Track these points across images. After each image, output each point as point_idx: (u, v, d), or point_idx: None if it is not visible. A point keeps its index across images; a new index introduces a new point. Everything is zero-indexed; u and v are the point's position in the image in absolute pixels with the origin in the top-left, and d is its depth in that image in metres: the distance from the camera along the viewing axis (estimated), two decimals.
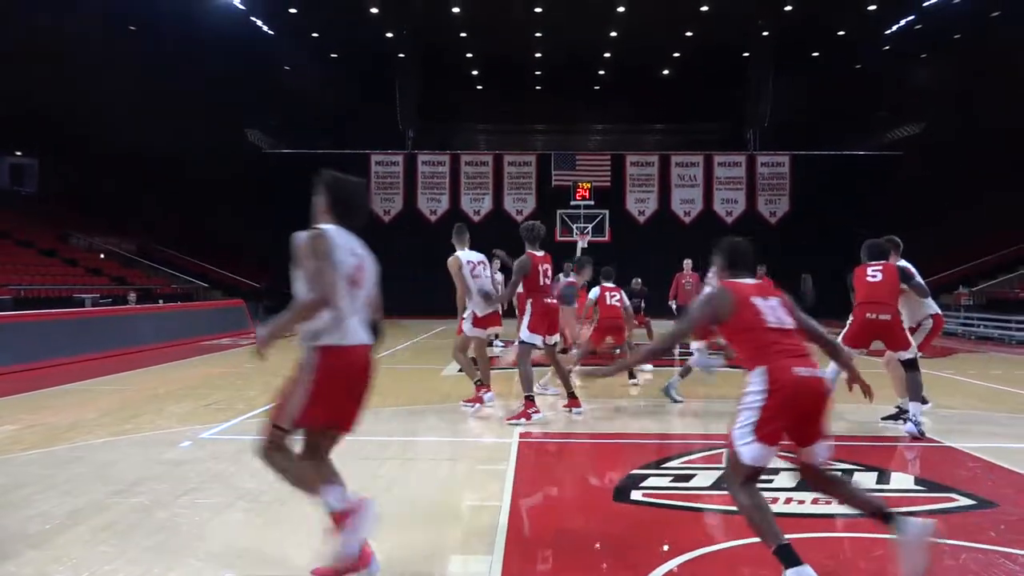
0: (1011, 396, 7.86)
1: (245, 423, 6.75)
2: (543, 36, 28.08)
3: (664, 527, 4.18)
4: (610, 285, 9.71)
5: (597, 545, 3.82)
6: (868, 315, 6.59)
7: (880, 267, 6.70)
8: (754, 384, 3.20)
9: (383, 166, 30.68)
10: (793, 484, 4.86)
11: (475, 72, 32.71)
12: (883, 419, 7.09)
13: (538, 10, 25.56)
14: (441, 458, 5.91)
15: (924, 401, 6.69)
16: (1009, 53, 28.70)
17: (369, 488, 4.95)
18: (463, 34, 27.95)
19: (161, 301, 21.22)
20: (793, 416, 3.15)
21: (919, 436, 6.28)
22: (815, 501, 4.53)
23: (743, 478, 3.20)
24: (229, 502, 4.45)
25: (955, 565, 3.54)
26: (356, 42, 28.58)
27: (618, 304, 9.56)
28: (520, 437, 6.42)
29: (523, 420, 6.93)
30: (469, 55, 30.34)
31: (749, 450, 3.15)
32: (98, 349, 13.04)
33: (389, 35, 28.44)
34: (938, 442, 6.30)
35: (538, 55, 30.36)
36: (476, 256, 7.74)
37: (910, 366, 6.59)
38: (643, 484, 4.92)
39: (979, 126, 29.28)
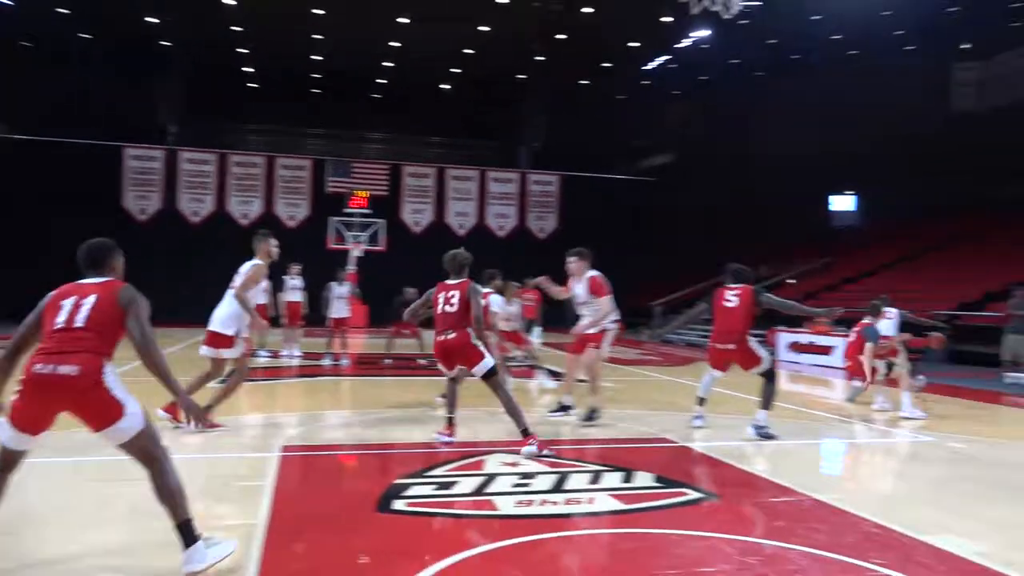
0: (734, 399, 8.87)
1: None
2: (323, 39, 27.41)
3: (425, 535, 4.22)
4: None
5: (359, 557, 3.77)
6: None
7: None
8: None
9: (140, 161, 28.27)
10: (548, 487, 5.14)
11: (248, 69, 31.18)
12: (550, 412, 8.10)
13: (318, 12, 24.93)
14: (196, 476, 5.52)
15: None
16: (746, 92, 32.69)
17: (110, 511, 4.51)
18: (236, 28, 26.53)
19: None
20: None
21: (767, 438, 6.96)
22: (568, 502, 4.81)
23: None
24: None
25: (683, 552, 3.91)
26: (113, 23, 26.13)
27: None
28: (282, 451, 6.19)
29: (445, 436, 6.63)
30: (242, 50, 28.85)
31: None
32: None
33: (151, 20, 26.27)
34: (675, 442, 6.96)
35: (317, 58, 29.60)
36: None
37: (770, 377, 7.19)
38: (406, 493, 4.94)
39: (721, 157, 33.01)
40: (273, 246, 7.41)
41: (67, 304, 3.46)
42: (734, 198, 31.55)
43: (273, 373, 12.20)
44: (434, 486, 5.17)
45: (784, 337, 17.53)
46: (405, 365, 13.42)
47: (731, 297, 7.17)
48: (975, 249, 22.52)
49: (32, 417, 3.35)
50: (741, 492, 5.22)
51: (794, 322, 18.39)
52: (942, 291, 19.76)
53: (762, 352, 7.15)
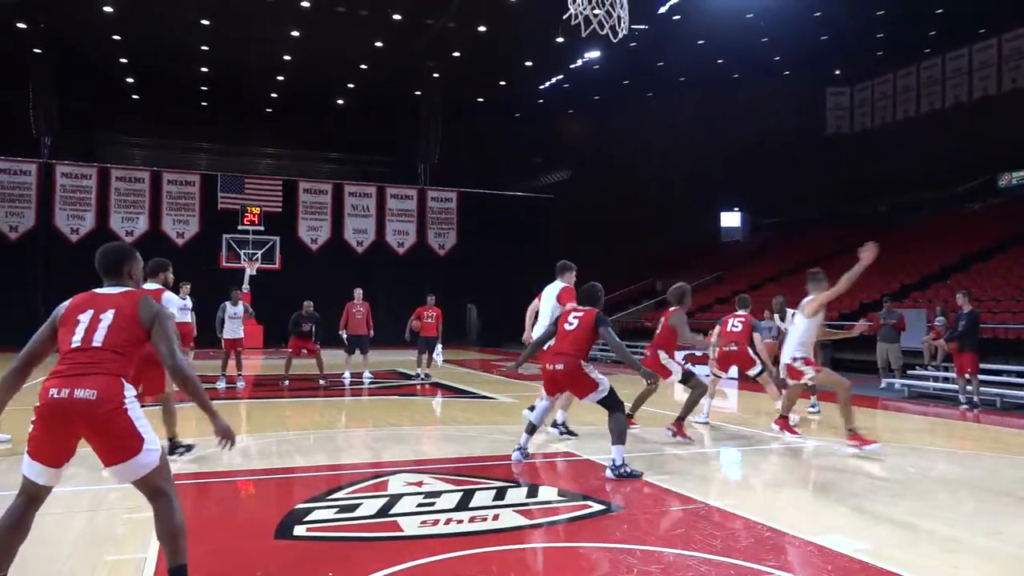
0: (640, 412, 9.08)
1: None
2: (210, 50, 26.54)
3: (327, 560, 4.11)
4: None
5: None
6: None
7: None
8: None
9: (9, 175, 26.49)
10: (453, 505, 5.11)
11: (130, 80, 29.82)
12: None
13: (204, 22, 24.14)
14: (77, 510, 5.19)
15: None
16: (637, 112, 33.76)
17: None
18: (116, 36, 25.33)
19: None
20: None
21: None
22: (472, 520, 4.79)
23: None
24: None
25: (587, 565, 3.96)
26: None
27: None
28: (174, 479, 5.89)
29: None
30: (123, 60, 27.56)
31: None
32: None
33: (21, 25, 24.74)
34: (577, 455, 7.06)
35: (204, 69, 28.63)
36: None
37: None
38: (307, 518, 4.80)
39: (614, 175, 33.94)
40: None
41: (84, 319, 3.16)
42: (629, 214, 32.50)
43: None
44: (336, 509, 5.05)
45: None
46: (305, 386, 13.08)
47: (573, 320, 6.64)
48: (848, 262, 23.99)
49: (51, 447, 3.05)
50: (642, 502, 5.35)
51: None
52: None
53: (598, 378, 6.45)
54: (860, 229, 27.50)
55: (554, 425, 8.05)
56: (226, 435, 3.39)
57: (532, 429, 6.77)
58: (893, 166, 29.04)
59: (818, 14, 25.02)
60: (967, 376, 11.70)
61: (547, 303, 7.99)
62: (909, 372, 14.05)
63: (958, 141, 27.24)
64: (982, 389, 11.73)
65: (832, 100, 34.21)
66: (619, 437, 6.07)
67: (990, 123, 26.54)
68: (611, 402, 6.28)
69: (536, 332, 7.86)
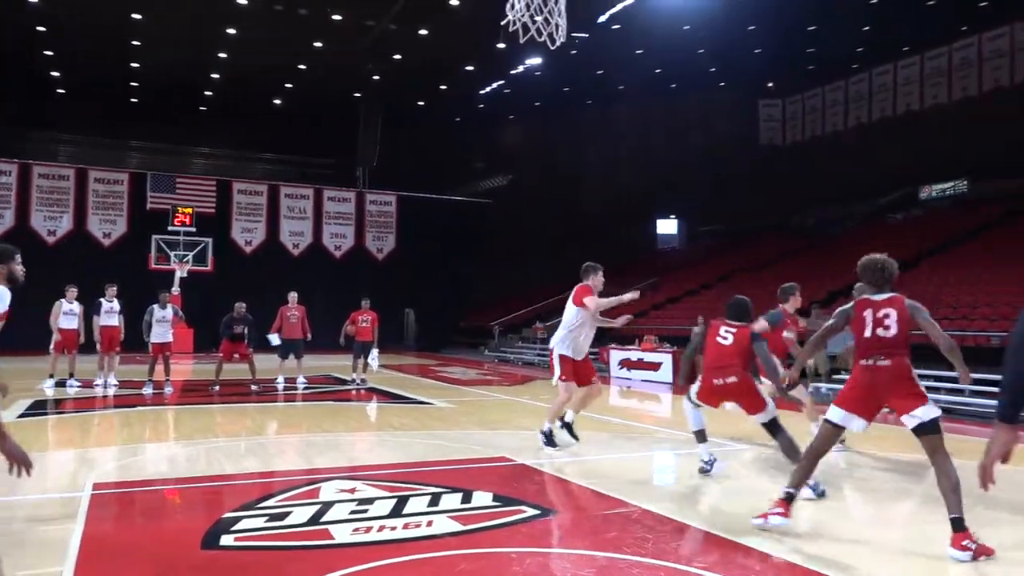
0: (579, 418, 9.13)
1: None
2: (141, 45, 25.74)
3: (255, 570, 4.01)
4: None
5: None
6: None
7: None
8: None
9: None
10: (386, 512, 5.05)
11: (56, 74, 28.70)
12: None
13: (136, 16, 23.40)
14: None
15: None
16: (577, 119, 34.14)
17: None
18: (41, 28, 24.34)
19: None
20: None
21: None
22: (406, 526, 4.75)
23: None
24: None
25: (521, 570, 3.96)
26: None
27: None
28: (94, 489, 5.69)
29: None
30: (48, 53, 26.50)
31: None
32: None
33: None
34: (513, 460, 7.07)
35: (135, 65, 27.74)
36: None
37: None
38: (235, 527, 4.68)
39: (554, 181, 34.22)
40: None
41: None
42: (567, 220, 32.76)
43: (86, 404, 11.23)
44: (266, 518, 4.94)
45: (615, 355, 18.33)
46: (236, 392, 12.77)
47: (726, 335, 6.34)
48: (780, 270, 24.64)
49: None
50: (576, 506, 5.38)
51: (626, 339, 19.29)
52: (756, 309, 21.43)
53: (767, 398, 6.21)
54: (792, 238, 28.37)
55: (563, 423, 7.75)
56: (18, 460, 2.92)
57: (703, 436, 6.56)
58: (822, 178, 29.99)
59: (752, 28, 25.68)
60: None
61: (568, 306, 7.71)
62: (835, 377, 14.51)
63: (883, 154, 28.29)
64: None
65: (765, 112, 35.16)
66: (793, 456, 5.75)
67: (913, 137, 27.65)
68: (774, 426, 6.04)
69: (558, 336, 7.70)
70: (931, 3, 24.38)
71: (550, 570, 3.96)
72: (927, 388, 4.75)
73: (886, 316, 4.59)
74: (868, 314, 4.64)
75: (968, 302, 16.17)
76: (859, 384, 4.67)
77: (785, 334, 8.00)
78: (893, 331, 4.56)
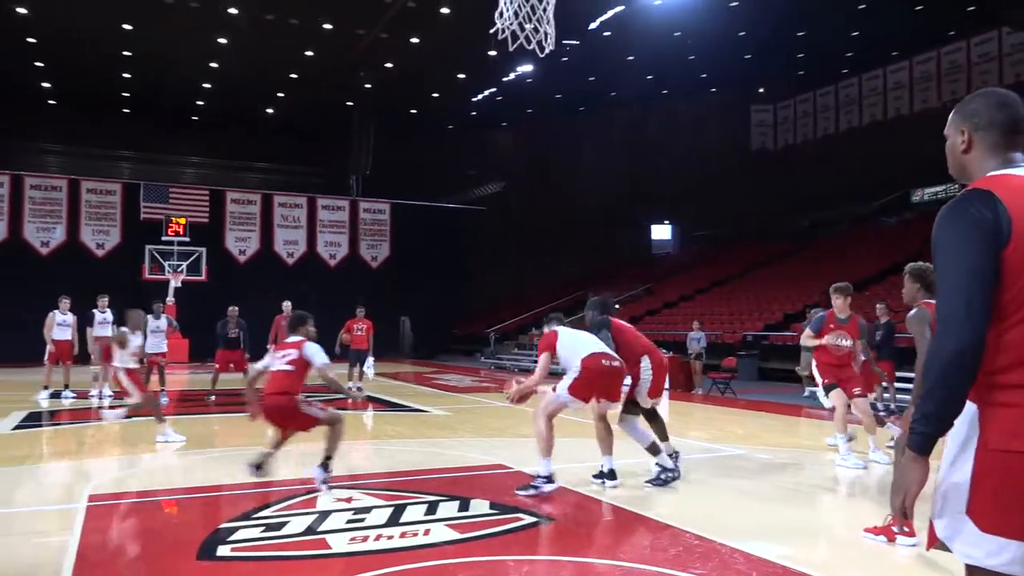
0: (573, 424, 9.14)
1: None
2: (132, 56, 25.72)
3: None
4: None
5: None
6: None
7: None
8: None
9: None
10: (383, 521, 5.05)
11: (46, 84, 28.66)
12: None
13: (127, 27, 23.39)
14: None
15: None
16: (570, 126, 34.21)
17: None
18: (31, 39, 24.30)
19: None
20: None
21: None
22: (403, 535, 4.74)
23: None
24: None
25: None
26: None
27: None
28: (89, 500, 5.67)
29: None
30: (39, 63, 26.46)
31: None
32: None
33: None
34: (510, 468, 7.07)
35: (126, 75, 27.72)
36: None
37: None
38: (231, 538, 4.67)
39: (547, 188, 34.25)
40: None
41: None
42: (562, 227, 32.81)
43: (80, 415, 11.18)
44: (262, 528, 4.93)
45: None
46: (232, 402, 12.72)
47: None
48: (772, 273, 24.74)
49: None
50: (574, 514, 5.39)
51: None
52: (751, 313, 21.52)
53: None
54: (785, 242, 28.43)
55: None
56: None
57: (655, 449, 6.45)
58: (814, 182, 30.13)
59: (742, 33, 25.81)
60: (883, 384, 12.17)
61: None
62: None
63: (874, 158, 28.43)
64: (898, 396, 12.22)
65: (756, 117, 35.34)
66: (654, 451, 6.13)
67: (903, 141, 27.81)
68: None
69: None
70: (919, 8, 24.56)
71: None
72: (908, 390, 4.75)
73: None
74: None
75: None
76: None
77: (831, 340, 7.42)
78: None
